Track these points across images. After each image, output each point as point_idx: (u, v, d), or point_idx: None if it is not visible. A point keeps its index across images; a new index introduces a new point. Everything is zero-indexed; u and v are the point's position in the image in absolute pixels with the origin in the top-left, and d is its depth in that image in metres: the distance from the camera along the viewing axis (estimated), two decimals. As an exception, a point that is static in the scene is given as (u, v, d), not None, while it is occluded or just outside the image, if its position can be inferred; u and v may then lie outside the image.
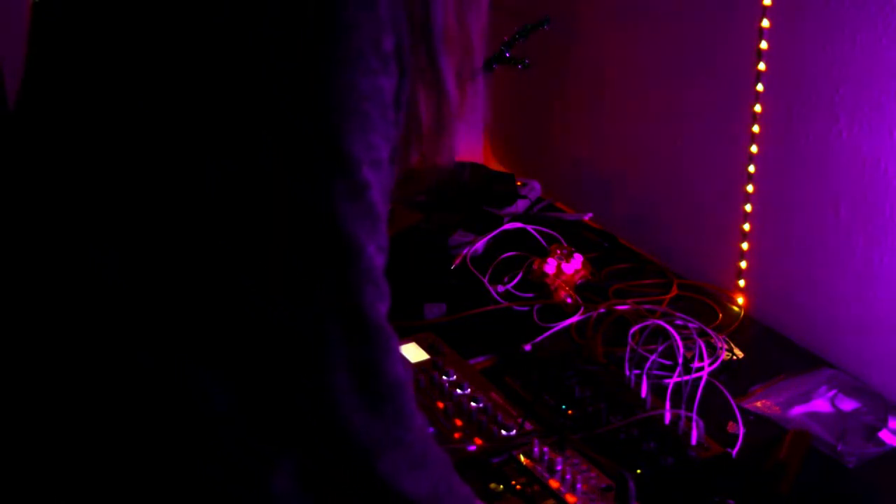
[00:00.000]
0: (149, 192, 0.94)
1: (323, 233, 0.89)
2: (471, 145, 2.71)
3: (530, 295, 1.85)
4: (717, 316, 1.79)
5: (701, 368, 1.51)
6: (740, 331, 1.75)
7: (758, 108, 1.72)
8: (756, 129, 1.74)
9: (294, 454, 0.99)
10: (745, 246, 1.83)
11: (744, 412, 1.48)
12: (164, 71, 0.92)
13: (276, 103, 0.89)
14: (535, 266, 1.88)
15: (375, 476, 0.98)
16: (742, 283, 1.84)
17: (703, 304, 1.83)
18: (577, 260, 1.87)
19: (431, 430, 1.38)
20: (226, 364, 0.95)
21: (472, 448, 1.35)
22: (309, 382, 0.92)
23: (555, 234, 2.04)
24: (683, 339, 1.57)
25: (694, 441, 1.35)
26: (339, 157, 0.89)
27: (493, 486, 1.27)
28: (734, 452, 1.37)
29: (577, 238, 2.08)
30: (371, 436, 0.95)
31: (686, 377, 1.47)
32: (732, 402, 1.47)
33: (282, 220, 0.90)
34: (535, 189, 2.34)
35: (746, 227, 1.81)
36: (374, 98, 0.90)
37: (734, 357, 1.63)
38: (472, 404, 1.43)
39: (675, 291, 1.86)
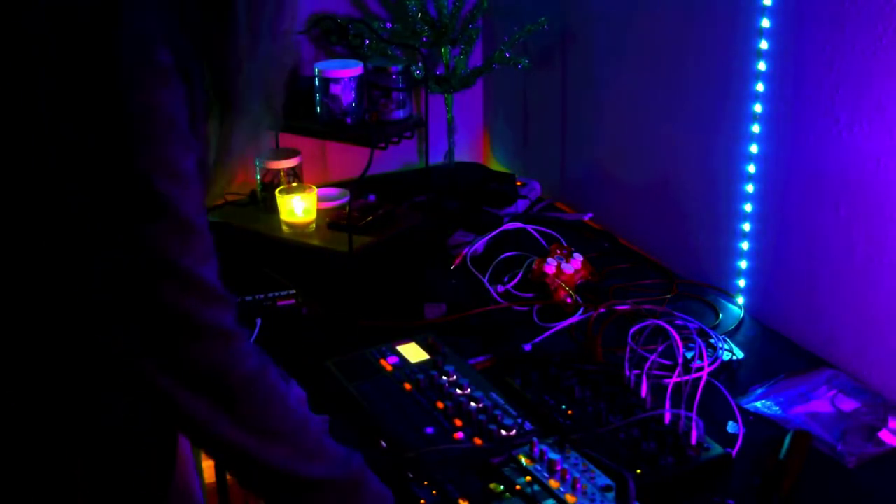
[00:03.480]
0: None
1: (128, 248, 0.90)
2: (471, 145, 2.71)
3: (530, 295, 1.85)
4: (717, 316, 1.79)
5: (701, 368, 1.51)
6: (740, 331, 1.75)
7: (758, 108, 1.72)
8: (756, 129, 1.74)
9: None
10: (745, 246, 1.83)
11: (744, 412, 1.48)
12: None
13: (58, 124, 0.88)
14: (535, 266, 1.88)
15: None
16: (742, 283, 1.84)
17: (703, 304, 1.84)
18: (577, 260, 1.87)
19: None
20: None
21: (472, 448, 1.35)
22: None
23: (555, 234, 2.04)
24: (683, 339, 1.56)
25: (694, 441, 1.35)
26: (128, 175, 0.88)
27: (493, 486, 1.27)
28: (734, 452, 1.37)
29: (577, 238, 2.08)
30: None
31: (686, 377, 1.47)
32: (732, 402, 1.47)
33: (95, 234, 0.90)
34: (535, 189, 2.34)
35: (746, 227, 1.81)
36: (154, 113, 0.89)
37: (734, 357, 1.64)
38: (472, 404, 1.43)
39: (675, 291, 1.86)
